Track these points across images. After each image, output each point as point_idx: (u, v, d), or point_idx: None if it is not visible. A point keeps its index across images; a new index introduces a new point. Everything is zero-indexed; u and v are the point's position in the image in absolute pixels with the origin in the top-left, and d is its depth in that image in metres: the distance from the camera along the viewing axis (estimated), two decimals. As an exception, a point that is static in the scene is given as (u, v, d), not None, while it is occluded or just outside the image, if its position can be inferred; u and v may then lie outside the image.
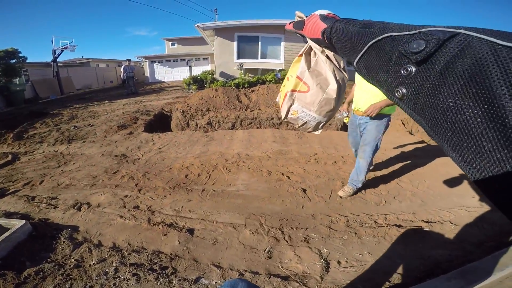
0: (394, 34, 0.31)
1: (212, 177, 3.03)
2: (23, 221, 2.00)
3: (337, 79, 0.61)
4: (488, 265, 1.56)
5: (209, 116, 5.97)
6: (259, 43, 10.59)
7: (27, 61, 10.96)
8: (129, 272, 1.67)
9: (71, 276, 1.64)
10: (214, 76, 10.77)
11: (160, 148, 4.10)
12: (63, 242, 1.94)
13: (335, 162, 3.35)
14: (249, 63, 10.65)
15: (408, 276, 1.64)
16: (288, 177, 2.95)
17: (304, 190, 2.63)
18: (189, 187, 2.79)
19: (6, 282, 1.58)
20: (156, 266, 1.74)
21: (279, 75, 9.95)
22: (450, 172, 2.97)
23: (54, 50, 11.20)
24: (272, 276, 1.65)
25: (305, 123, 0.67)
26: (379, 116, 2.22)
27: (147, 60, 17.30)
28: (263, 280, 1.64)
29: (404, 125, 4.99)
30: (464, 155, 0.23)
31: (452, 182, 2.79)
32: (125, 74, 10.87)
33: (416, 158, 3.46)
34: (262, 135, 4.61)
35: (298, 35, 0.62)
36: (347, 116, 2.51)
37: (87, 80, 14.63)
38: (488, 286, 1.44)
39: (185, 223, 2.19)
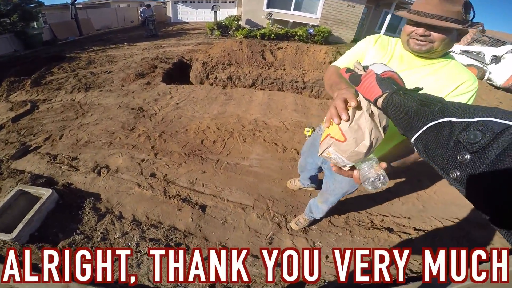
0: (453, 119, 0.35)
1: (227, 146, 2.94)
2: (50, 190, 2.05)
3: (372, 138, 0.64)
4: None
5: (230, 71, 5.64)
6: None
7: (45, 4, 10.57)
8: (149, 247, 1.77)
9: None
10: (239, 23, 9.95)
11: (177, 104, 3.99)
12: (88, 212, 2.03)
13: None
14: (279, 13, 9.69)
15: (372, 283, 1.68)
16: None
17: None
18: (204, 156, 2.74)
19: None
20: (172, 242, 1.85)
21: (311, 30, 8.98)
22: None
23: None
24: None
25: (336, 162, 0.73)
26: None
27: (170, 1, 16.04)
28: (261, 264, 1.76)
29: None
30: (507, 231, 0.27)
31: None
32: (144, 18, 10.33)
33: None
34: (283, 100, 4.32)
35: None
36: (311, 129, 1.70)
37: (107, 20, 14.03)
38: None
39: (198, 198, 2.22)
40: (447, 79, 0.94)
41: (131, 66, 5.83)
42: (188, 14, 16.63)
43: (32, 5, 9.83)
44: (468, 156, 0.31)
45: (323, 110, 4.00)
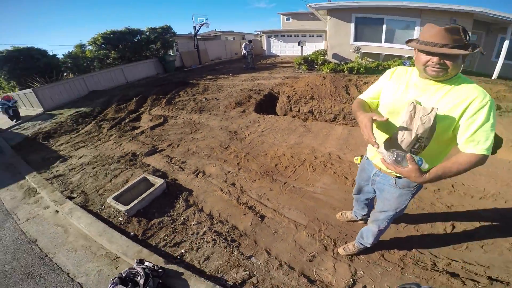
0: None
1: (296, 172, 3.39)
2: (162, 181, 2.97)
3: (402, 139, 1.12)
4: None
5: (312, 105, 6.10)
6: (384, 25, 9.29)
7: (176, 34, 13.89)
8: (211, 237, 2.33)
9: (176, 230, 2.44)
10: (325, 57, 10.43)
11: (262, 131, 4.74)
12: (181, 202, 2.82)
13: (438, 189, 2.93)
14: (369, 46, 9.62)
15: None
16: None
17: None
18: (274, 177, 3.29)
19: (140, 226, 2.50)
20: (229, 237, 2.34)
21: (407, 63, 8.51)
22: None
23: (194, 26, 13.77)
24: (302, 275, 1.96)
25: (383, 155, 1.15)
26: (407, 181, 1.38)
27: (264, 35, 18.48)
28: (293, 276, 1.96)
29: None
30: None
31: None
32: (245, 51, 12.29)
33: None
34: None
35: None
36: (360, 157, 1.74)
37: (218, 52, 17.29)
38: None
39: (261, 209, 2.72)
40: (458, 98, 1.07)
41: (232, 95, 7.18)
42: (279, 48, 18.56)
43: (169, 35, 13.08)
44: None
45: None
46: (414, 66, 1.23)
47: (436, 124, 1.06)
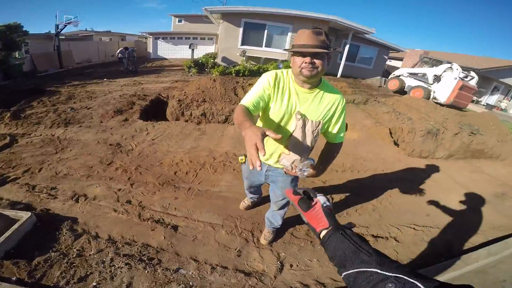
0: (378, 271, 0.47)
1: (198, 176, 3.28)
2: (29, 213, 2.22)
3: (303, 151, 1.29)
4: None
5: (204, 108, 6.09)
6: (266, 31, 10.62)
7: (29, 34, 10.91)
8: (122, 261, 1.97)
9: (74, 264, 1.92)
10: (215, 61, 10.76)
11: (153, 140, 4.28)
12: (65, 233, 2.19)
13: (330, 169, 3.55)
14: (252, 50, 10.70)
15: (337, 283, 1.97)
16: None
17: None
18: (177, 185, 3.04)
19: (20, 269, 1.83)
20: (145, 257, 2.04)
21: (281, 65, 9.97)
22: (416, 190, 3.27)
23: (57, 25, 11.26)
24: (237, 271, 1.99)
25: (286, 167, 1.29)
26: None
27: (151, 36, 17.08)
28: (230, 274, 1.96)
29: (391, 134, 5.12)
30: None
31: (414, 200, 3.06)
32: (120, 56, 11.15)
33: (390, 172, 3.71)
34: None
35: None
36: (244, 157, 1.75)
37: (88, 54, 14.56)
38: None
39: (171, 220, 2.47)
40: (329, 104, 1.32)
41: (110, 102, 6.13)
42: (167, 50, 17.67)
43: (17, 34, 10.06)
44: None
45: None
46: (286, 68, 1.41)
47: None
